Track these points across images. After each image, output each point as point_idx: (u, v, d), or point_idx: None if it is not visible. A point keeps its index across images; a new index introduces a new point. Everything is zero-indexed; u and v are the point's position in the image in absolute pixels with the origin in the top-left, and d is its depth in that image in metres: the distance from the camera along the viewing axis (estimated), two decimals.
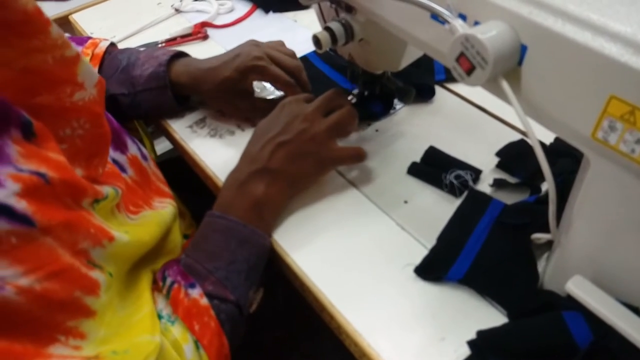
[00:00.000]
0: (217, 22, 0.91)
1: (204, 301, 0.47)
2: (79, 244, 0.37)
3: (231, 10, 0.94)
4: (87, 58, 0.66)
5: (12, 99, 0.34)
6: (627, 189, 0.35)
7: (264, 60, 0.64)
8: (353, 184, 0.60)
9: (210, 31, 0.89)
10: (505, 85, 0.36)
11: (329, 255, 0.53)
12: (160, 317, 0.46)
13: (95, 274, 0.38)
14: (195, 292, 0.47)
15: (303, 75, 0.67)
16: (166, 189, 0.61)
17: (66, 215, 0.36)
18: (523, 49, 0.35)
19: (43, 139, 0.36)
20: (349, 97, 0.66)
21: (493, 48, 0.33)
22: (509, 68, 0.36)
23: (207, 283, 0.48)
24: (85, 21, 0.94)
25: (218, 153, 0.65)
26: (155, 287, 0.49)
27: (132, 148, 0.57)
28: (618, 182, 0.35)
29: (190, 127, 0.70)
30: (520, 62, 0.36)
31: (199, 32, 0.87)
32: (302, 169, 0.56)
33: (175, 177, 0.66)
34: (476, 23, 0.37)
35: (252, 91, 0.68)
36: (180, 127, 0.70)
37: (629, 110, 0.31)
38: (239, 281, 0.50)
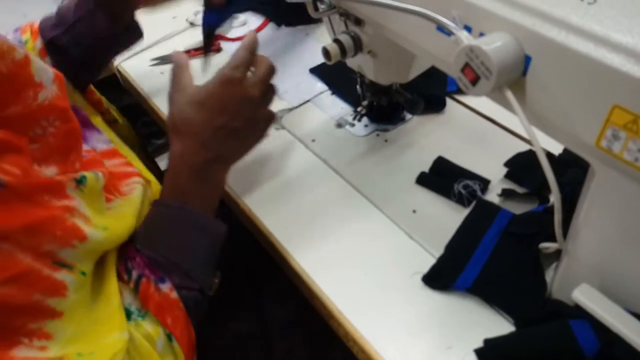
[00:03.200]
0: (230, 35, 0.93)
1: (174, 294, 0.47)
2: (42, 246, 0.37)
3: (244, 23, 0.96)
4: (28, 38, 0.64)
5: None
6: (631, 197, 0.35)
7: None
8: (362, 193, 0.60)
9: (223, 44, 0.90)
10: (510, 95, 0.36)
11: (337, 263, 0.53)
12: (129, 312, 0.46)
13: (61, 275, 0.38)
14: (166, 287, 0.47)
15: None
16: (130, 168, 0.58)
17: (28, 218, 0.36)
18: (527, 59, 0.36)
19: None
20: (358, 109, 0.67)
21: (497, 58, 0.34)
22: (514, 78, 0.37)
23: (174, 276, 0.48)
24: None
25: None
26: (120, 279, 0.48)
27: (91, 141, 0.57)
28: (623, 191, 0.35)
29: None
30: (524, 73, 0.36)
31: (213, 44, 0.89)
32: (249, 147, 0.58)
33: None
34: (481, 34, 0.38)
35: None
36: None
37: (632, 119, 0.31)
38: (202, 270, 0.51)
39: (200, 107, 0.54)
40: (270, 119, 0.59)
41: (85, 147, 0.53)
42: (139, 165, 0.62)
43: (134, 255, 0.49)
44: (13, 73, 0.38)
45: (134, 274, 0.47)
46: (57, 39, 0.63)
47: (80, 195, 0.42)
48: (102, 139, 0.59)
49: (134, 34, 0.71)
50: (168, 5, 0.90)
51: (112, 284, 0.46)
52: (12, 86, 0.38)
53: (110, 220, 0.46)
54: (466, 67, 0.36)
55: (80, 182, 0.41)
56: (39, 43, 0.63)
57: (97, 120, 0.65)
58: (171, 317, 0.46)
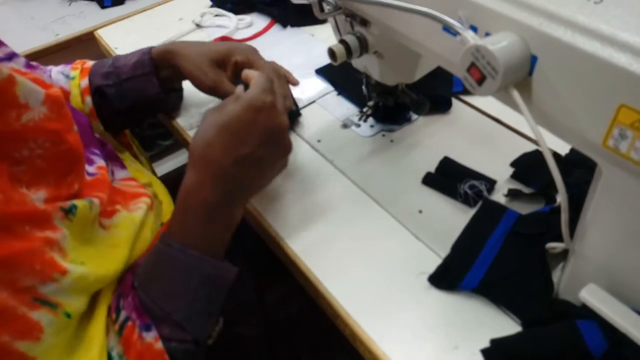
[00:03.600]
0: (237, 37, 0.93)
1: (158, 345, 0.43)
2: (20, 281, 0.35)
3: (250, 25, 0.96)
4: (77, 74, 0.66)
5: None
6: (639, 196, 0.35)
7: (246, 52, 0.65)
8: (368, 193, 0.60)
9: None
10: (516, 94, 0.36)
11: (343, 263, 0.53)
12: (110, 356, 0.43)
13: (38, 315, 0.36)
14: (150, 336, 0.43)
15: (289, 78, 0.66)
16: (142, 190, 0.57)
17: (3, 251, 0.34)
18: (533, 59, 0.36)
19: None
20: (364, 109, 0.67)
21: (503, 58, 0.34)
22: (520, 78, 0.37)
23: (164, 326, 0.44)
24: (109, 36, 0.97)
25: None
26: (109, 317, 0.46)
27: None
28: (630, 190, 0.35)
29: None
30: (530, 72, 0.36)
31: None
32: (269, 181, 0.53)
33: None
34: (487, 34, 0.38)
35: (230, 69, 0.65)
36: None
37: (639, 118, 0.31)
38: (198, 320, 0.46)
39: (222, 131, 0.47)
40: (291, 149, 0.53)
41: (99, 163, 0.52)
42: (158, 188, 0.63)
43: (128, 293, 0.46)
44: None
45: (122, 314, 0.45)
46: (106, 88, 0.66)
47: (67, 225, 0.40)
48: (123, 174, 0.59)
49: (177, 99, 0.75)
50: None
51: (97, 325, 0.44)
52: None
53: (92, 252, 0.44)
54: (472, 67, 0.36)
55: (69, 211, 0.40)
56: (85, 82, 0.65)
57: (125, 156, 0.67)
58: None
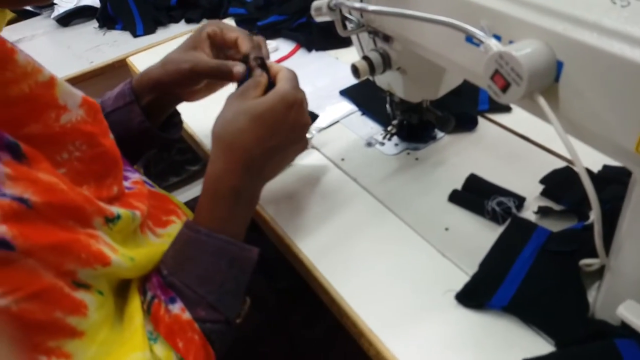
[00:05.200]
0: None
1: (186, 315, 0.45)
2: (64, 265, 0.37)
3: (276, 49, 0.98)
4: None
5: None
6: None
7: (213, 26, 0.60)
8: (393, 211, 0.59)
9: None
10: (542, 101, 0.35)
11: (368, 281, 0.52)
12: None
13: (80, 295, 0.38)
14: (176, 308, 0.45)
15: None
16: (172, 206, 0.57)
17: (55, 237, 0.36)
18: (559, 65, 0.35)
19: (34, 160, 0.37)
20: (389, 128, 0.67)
21: (527, 64, 0.34)
22: (546, 85, 0.36)
23: (200, 309, 0.46)
24: (140, 63, 1.01)
25: None
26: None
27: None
28: None
29: None
30: (557, 79, 0.35)
31: None
32: (284, 167, 0.58)
33: None
34: (511, 43, 0.37)
35: (204, 44, 0.61)
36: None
37: None
38: (229, 300, 0.48)
39: (256, 121, 0.49)
40: (306, 145, 0.57)
41: (134, 178, 0.53)
42: (186, 210, 0.63)
43: (151, 275, 0.48)
44: (35, 93, 0.39)
45: (149, 295, 0.46)
46: None
47: (107, 232, 0.41)
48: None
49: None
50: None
51: (134, 302, 0.45)
52: (33, 106, 0.38)
53: (139, 251, 0.46)
54: (496, 74, 0.36)
55: (110, 220, 0.41)
56: None
57: None
58: (183, 341, 0.44)
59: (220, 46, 0.62)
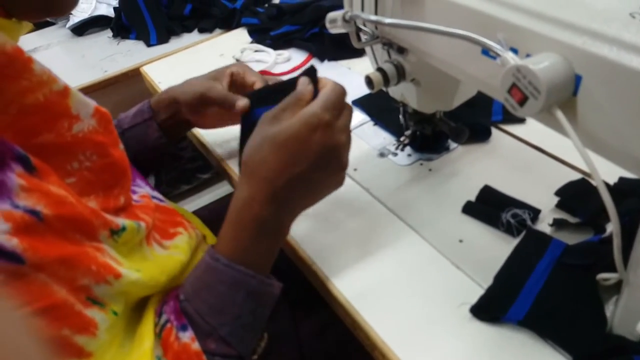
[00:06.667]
0: (275, 71, 0.95)
1: (195, 346, 0.44)
2: (78, 280, 0.36)
3: (288, 59, 0.99)
4: None
5: (12, 142, 0.35)
6: None
7: (239, 67, 0.65)
8: (406, 222, 0.59)
9: (269, 80, 0.93)
10: (560, 115, 0.35)
11: (381, 293, 0.52)
12: None
13: (92, 312, 0.37)
14: (187, 336, 0.44)
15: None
16: (179, 218, 0.57)
17: (64, 250, 0.36)
18: (578, 79, 0.35)
19: (44, 172, 0.37)
20: (401, 138, 0.67)
21: (545, 77, 0.33)
22: (564, 98, 0.36)
23: (210, 341, 0.44)
24: (154, 72, 1.02)
25: None
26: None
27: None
28: None
29: None
30: (575, 92, 0.35)
31: None
32: (322, 197, 0.52)
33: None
34: (528, 56, 0.37)
35: (225, 79, 0.66)
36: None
37: None
38: (244, 334, 0.46)
39: (279, 149, 0.46)
40: (346, 167, 0.51)
41: (141, 192, 0.53)
42: (195, 221, 0.63)
43: (170, 299, 0.47)
44: (50, 102, 0.39)
45: (163, 317, 0.46)
46: None
47: (112, 245, 0.41)
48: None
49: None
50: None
51: (147, 325, 0.45)
52: (47, 115, 0.39)
53: (149, 264, 0.45)
54: (513, 88, 0.36)
55: (115, 232, 0.41)
56: None
57: None
58: None
59: (240, 86, 0.66)
